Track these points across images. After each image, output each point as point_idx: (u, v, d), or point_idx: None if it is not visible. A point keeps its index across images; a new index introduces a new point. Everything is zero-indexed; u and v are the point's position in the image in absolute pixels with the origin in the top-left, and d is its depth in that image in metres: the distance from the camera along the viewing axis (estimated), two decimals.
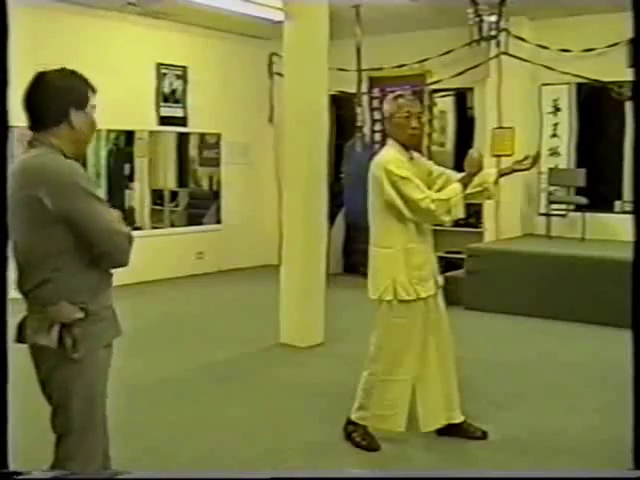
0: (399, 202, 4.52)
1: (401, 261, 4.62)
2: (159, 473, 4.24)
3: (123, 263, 2.94)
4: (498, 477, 3.24)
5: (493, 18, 9.65)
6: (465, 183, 4.60)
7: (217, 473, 4.28)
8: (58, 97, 2.88)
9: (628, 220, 10.16)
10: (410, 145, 4.73)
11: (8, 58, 2.45)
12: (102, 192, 10.00)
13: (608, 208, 10.50)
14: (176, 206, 11.74)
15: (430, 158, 6.67)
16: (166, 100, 11.08)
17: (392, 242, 4.65)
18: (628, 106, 10.25)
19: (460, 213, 4.58)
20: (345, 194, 11.29)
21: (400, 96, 4.76)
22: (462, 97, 11.97)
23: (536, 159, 4.88)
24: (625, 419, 5.51)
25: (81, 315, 2.85)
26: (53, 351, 2.85)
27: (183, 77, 11.28)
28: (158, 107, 10.98)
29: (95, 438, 2.97)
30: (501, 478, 3.18)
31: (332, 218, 10.74)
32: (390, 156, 4.65)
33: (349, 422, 4.90)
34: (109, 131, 10.32)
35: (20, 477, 2.47)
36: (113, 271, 3.02)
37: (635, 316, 2.60)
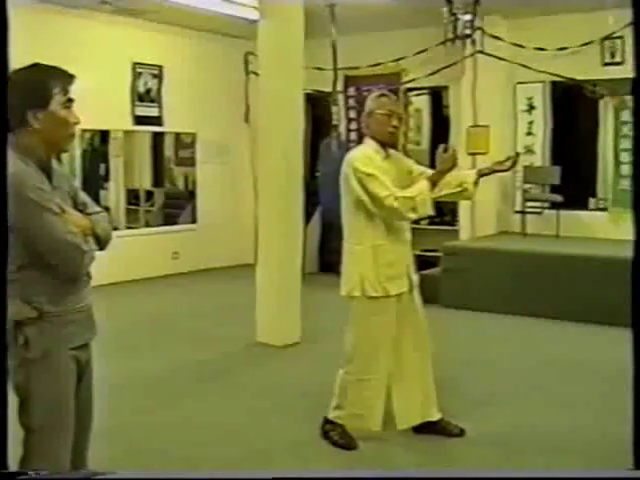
0: (366, 199, 4.53)
1: (370, 258, 4.62)
2: (155, 473, 4.24)
3: (73, 276, 2.90)
4: (500, 477, 3.25)
5: (468, 17, 9.66)
6: (435, 180, 4.58)
7: (218, 473, 4.28)
8: (14, 102, 2.77)
9: (602, 217, 10.31)
10: (388, 143, 4.74)
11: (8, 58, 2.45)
12: None
13: (583, 205, 10.59)
14: (151, 206, 11.70)
15: (406, 156, 6.65)
16: (141, 99, 11.03)
17: (361, 239, 4.66)
18: (602, 104, 10.34)
19: (428, 210, 4.55)
20: (321, 193, 11.28)
21: (384, 95, 4.80)
22: (437, 95, 12.01)
23: (516, 161, 4.88)
24: (607, 416, 5.57)
25: (32, 315, 2.82)
26: (15, 350, 2.83)
27: (159, 76, 11.22)
28: (133, 106, 10.93)
29: (58, 439, 2.93)
30: (503, 478, 3.19)
31: (308, 217, 10.72)
32: (359, 154, 4.66)
33: (326, 421, 4.90)
34: (84, 131, 10.23)
35: (20, 477, 2.48)
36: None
37: (635, 316, 2.61)
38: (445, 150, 4.58)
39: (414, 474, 4.04)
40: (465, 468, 4.51)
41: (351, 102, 11.76)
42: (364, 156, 4.63)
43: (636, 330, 2.60)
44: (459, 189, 4.82)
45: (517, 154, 5.00)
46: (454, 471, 4.38)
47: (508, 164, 4.85)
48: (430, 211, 4.58)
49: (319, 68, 10.73)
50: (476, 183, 4.86)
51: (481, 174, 4.91)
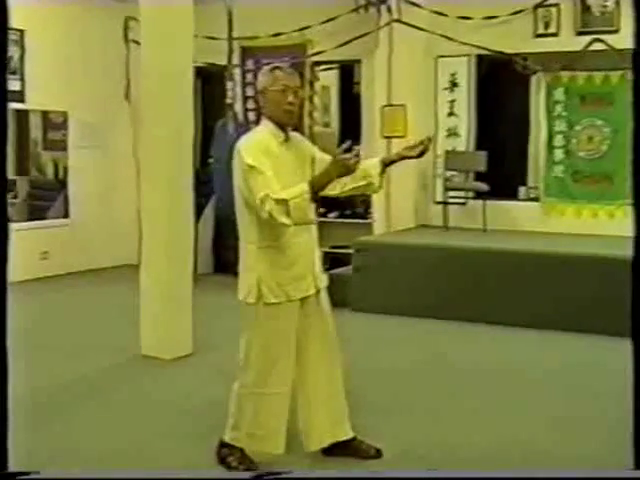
0: (246, 193, 4.48)
1: (267, 259, 4.58)
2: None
3: None
4: (497, 477, 3.38)
5: None
6: (318, 184, 4.38)
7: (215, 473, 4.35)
8: None
9: (533, 208, 10.54)
10: (286, 123, 4.68)
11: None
12: None
13: (511, 195, 10.80)
14: (15, 197, 11.48)
15: (312, 140, 6.72)
16: None
17: (257, 236, 4.59)
18: (534, 81, 10.54)
19: (306, 217, 4.37)
20: (214, 182, 11.24)
21: (277, 68, 4.72)
22: (348, 71, 12.11)
23: (427, 146, 4.75)
24: (521, 422, 5.73)
25: None
26: None
27: (20, 43, 10.93)
28: None
29: None
30: (500, 478, 3.32)
31: (200, 210, 10.70)
32: (249, 139, 4.61)
33: (222, 444, 4.86)
34: None
35: (20, 477, 2.65)
36: None
37: (635, 319, 2.73)
38: (349, 150, 4.37)
39: (413, 474, 4.10)
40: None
41: (249, 77, 11.75)
42: (254, 142, 4.56)
43: (636, 336, 2.72)
44: (364, 182, 4.79)
45: (429, 138, 4.90)
46: (454, 471, 4.44)
47: (419, 149, 4.74)
48: (309, 218, 4.42)
49: (212, 37, 10.71)
50: (383, 173, 4.84)
51: (387, 163, 4.88)
